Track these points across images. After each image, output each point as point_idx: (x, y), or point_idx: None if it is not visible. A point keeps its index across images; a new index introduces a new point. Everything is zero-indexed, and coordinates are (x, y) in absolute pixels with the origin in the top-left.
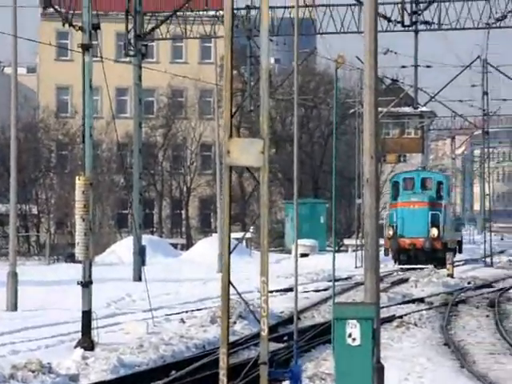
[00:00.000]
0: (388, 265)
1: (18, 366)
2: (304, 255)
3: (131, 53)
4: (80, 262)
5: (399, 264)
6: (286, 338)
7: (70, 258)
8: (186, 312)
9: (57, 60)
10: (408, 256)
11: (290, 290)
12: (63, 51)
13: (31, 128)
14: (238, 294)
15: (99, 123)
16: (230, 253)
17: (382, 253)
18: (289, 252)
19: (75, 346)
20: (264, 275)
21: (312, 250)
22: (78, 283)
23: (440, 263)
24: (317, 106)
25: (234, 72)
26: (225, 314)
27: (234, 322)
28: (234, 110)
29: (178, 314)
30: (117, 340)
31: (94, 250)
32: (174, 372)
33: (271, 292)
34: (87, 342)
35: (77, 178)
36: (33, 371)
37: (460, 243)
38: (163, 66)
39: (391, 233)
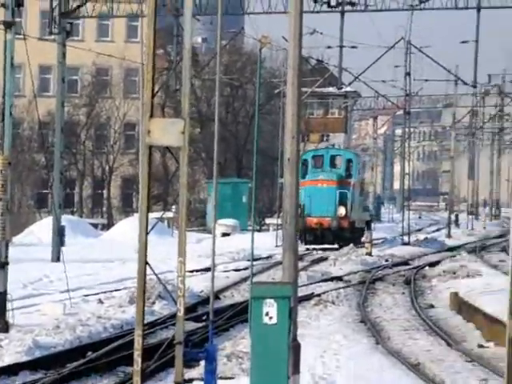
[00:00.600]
0: None
1: None
2: (225, 234)
3: (55, 31)
4: None
5: (305, 244)
6: (204, 318)
7: None
8: (105, 292)
9: None
10: (315, 236)
11: (209, 269)
12: None
13: None
14: (155, 274)
15: (21, 101)
16: (147, 232)
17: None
18: (210, 232)
19: None
20: (181, 255)
21: (233, 230)
22: None
23: (347, 243)
24: (242, 86)
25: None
26: (140, 296)
27: (153, 303)
28: (156, 90)
29: (97, 294)
30: (33, 321)
31: (12, 231)
32: (90, 353)
33: (191, 272)
34: (1, 324)
35: None
36: None
37: (369, 223)
38: (88, 45)
39: (298, 211)
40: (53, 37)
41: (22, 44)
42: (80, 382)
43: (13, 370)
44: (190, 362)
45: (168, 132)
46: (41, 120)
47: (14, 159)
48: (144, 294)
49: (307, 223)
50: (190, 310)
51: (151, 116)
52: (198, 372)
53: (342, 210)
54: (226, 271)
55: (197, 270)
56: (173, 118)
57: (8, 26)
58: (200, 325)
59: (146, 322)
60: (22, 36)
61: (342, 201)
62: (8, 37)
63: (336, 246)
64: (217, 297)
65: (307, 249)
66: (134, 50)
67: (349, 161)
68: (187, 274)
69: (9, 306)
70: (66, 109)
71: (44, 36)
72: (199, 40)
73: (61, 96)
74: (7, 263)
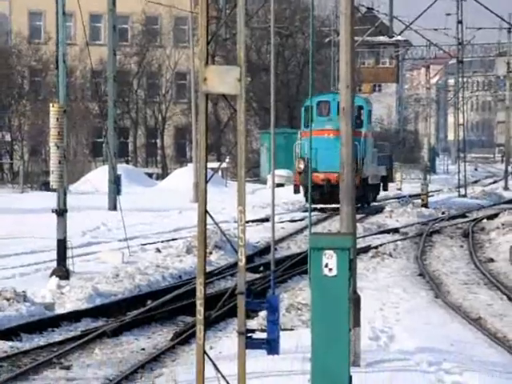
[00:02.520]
0: None
1: None
2: (280, 185)
3: None
4: (54, 190)
5: (312, 203)
6: (261, 269)
7: (45, 186)
8: (162, 242)
9: None
10: (322, 193)
11: (265, 220)
12: None
13: (3, 53)
14: (215, 223)
15: (73, 50)
16: (206, 182)
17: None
18: (264, 182)
19: (50, 275)
20: (241, 205)
21: (287, 180)
22: (53, 211)
23: (359, 202)
24: (292, 35)
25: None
26: (201, 244)
27: (210, 253)
28: (209, 38)
29: (154, 243)
30: (92, 269)
31: (69, 179)
32: (149, 301)
33: (247, 222)
34: (62, 271)
35: (51, 104)
36: (8, 299)
37: (385, 179)
38: None
39: (302, 166)
40: None
41: None
42: (141, 330)
43: (75, 316)
44: (251, 312)
45: (224, 80)
46: (93, 69)
47: (68, 108)
48: (205, 243)
49: (313, 179)
50: (247, 260)
51: (207, 63)
52: (258, 322)
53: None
54: (281, 222)
55: (252, 221)
56: (229, 66)
57: None
58: (257, 275)
59: None
60: None
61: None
62: None
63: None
64: (274, 247)
65: (315, 208)
66: None
67: (359, 108)
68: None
69: (69, 253)
70: (118, 58)
71: None
72: None
73: (112, 44)
74: (66, 210)
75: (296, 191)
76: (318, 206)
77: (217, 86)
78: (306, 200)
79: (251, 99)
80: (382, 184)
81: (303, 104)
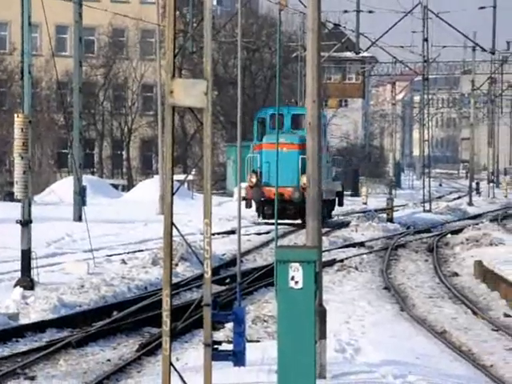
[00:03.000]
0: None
1: None
2: (246, 198)
3: None
4: (19, 200)
5: (264, 218)
6: (228, 281)
7: (9, 197)
8: (128, 253)
9: None
10: (273, 208)
11: (231, 232)
12: None
13: None
14: (181, 235)
15: (38, 61)
16: (172, 194)
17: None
18: (231, 195)
19: (14, 285)
20: (207, 217)
21: None
22: (17, 222)
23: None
24: (259, 49)
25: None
26: (167, 255)
27: (176, 264)
28: (176, 51)
29: (120, 254)
30: (57, 280)
31: (34, 189)
32: (115, 312)
33: (213, 234)
34: (27, 282)
35: (15, 115)
36: None
37: (341, 194)
38: (104, 5)
39: (254, 180)
40: None
41: (39, 2)
42: (106, 341)
43: (39, 326)
44: (217, 324)
45: (190, 93)
46: (59, 80)
47: (33, 118)
48: (171, 254)
49: (265, 194)
50: (213, 272)
51: (173, 76)
52: (224, 334)
53: (305, 179)
54: (247, 234)
55: (218, 233)
56: (195, 79)
57: None
58: (224, 287)
59: None
60: None
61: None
62: None
63: (299, 221)
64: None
65: (266, 223)
66: (149, 11)
67: None
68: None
69: (33, 263)
70: (84, 69)
71: None
72: (214, 2)
73: (78, 56)
74: (31, 221)
75: (247, 205)
76: (270, 221)
77: (183, 99)
78: (258, 215)
79: (218, 113)
80: (337, 199)
81: (256, 116)
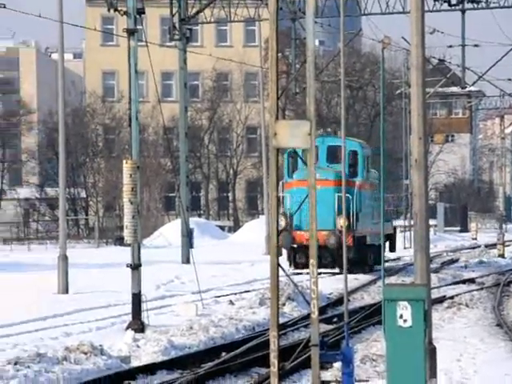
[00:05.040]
0: (438, 245)
1: (71, 348)
2: None
3: (176, 37)
4: (129, 244)
5: (296, 267)
6: (335, 320)
7: (119, 241)
8: (235, 294)
9: (103, 45)
10: (307, 256)
11: (338, 272)
12: (109, 36)
13: (78, 113)
14: (287, 275)
15: (145, 107)
16: (278, 234)
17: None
18: None
19: (126, 328)
20: (313, 258)
21: None
22: (127, 266)
23: (354, 265)
24: (362, 88)
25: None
26: (274, 297)
27: (283, 304)
28: (279, 93)
29: (227, 295)
30: (167, 322)
31: (142, 233)
32: (224, 353)
33: (319, 274)
34: (138, 324)
35: (124, 161)
36: (85, 353)
37: (392, 237)
38: (208, 50)
39: (283, 223)
40: (173, 43)
41: (145, 51)
42: (216, 382)
43: (150, 369)
44: (325, 364)
45: (294, 134)
46: (165, 125)
47: (141, 164)
48: (278, 296)
49: (297, 239)
50: (320, 311)
51: (277, 118)
52: (332, 374)
53: (342, 221)
54: (354, 273)
55: (325, 272)
56: (299, 120)
57: (131, 33)
58: (331, 327)
59: None
60: (144, 43)
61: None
62: (131, 44)
63: (337, 270)
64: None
65: (298, 273)
66: (252, 54)
67: (354, 153)
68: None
69: (144, 306)
70: (189, 113)
71: (165, 43)
72: (317, 43)
73: (184, 101)
74: (140, 265)
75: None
76: (303, 271)
77: (287, 141)
78: (290, 264)
79: None
80: (389, 243)
81: (286, 150)
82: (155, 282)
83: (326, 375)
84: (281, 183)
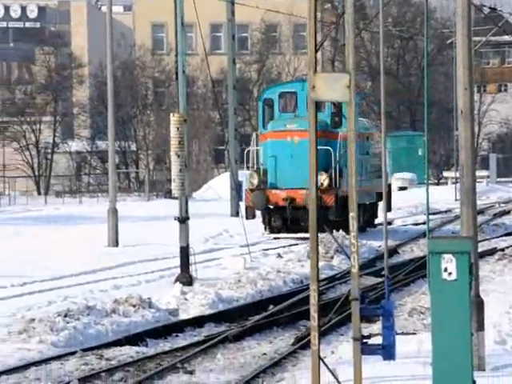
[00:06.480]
0: (490, 196)
1: (120, 301)
2: (402, 188)
3: None
4: (177, 198)
5: (271, 232)
6: (383, 273)
7: (169, 194)
8: (283, 247)
9: None
10: (283, 218)
11: (388, 223)
12: None
13: (128, 65)
14: (328, 231)
15: (194, 60)
16: (317, 189)
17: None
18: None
19: (174, 281)
20: (353, 211)
21: (410, 183)
22: (175, 219)
23: (335, 227)
24: (413, 37)
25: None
26: (314, 251)
27: (331, 257)
28: (319, 44)
29: (275, 249)
30: (215, 275)
31: (192, 186)
32: (271, 306)
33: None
34: (186, 278)
35: (171, 114)
36: (134, 305)
37: (388, 195)
38: (256, 1)
39: (255, 181)
40: None
41: (192, 3)
42: (262, 335)
43: (198, 321)
44: (367, 318)
45: (333, 87)
46: (213, 78)
47: (189, 117)
48: (317, 250)
49: (271, 199)
50: (368, 264)
51: (315, 71)
52: (378, 327)
53: (323, 179)
54: (404, 225)
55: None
56: (338, 73)
57: None
58: (379, 280)
59: (324, 276)
60: None
61: (325, 163)
62: None
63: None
64: (396, 251)
65: (275, 238)
66: (301, 5)
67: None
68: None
69: (192, 259)
70: (238, 66)
71: None
72: None
73: (232, 53)
74: (188, 218)
75: (249, 215)
76: (279, 235)
77: (326, 94)
78: (265, 227)
79: (372, 102)
80: (377, 203)
81: (261, 97)
82: (204, 235)
83: (373, 329)
84: (254, 135)
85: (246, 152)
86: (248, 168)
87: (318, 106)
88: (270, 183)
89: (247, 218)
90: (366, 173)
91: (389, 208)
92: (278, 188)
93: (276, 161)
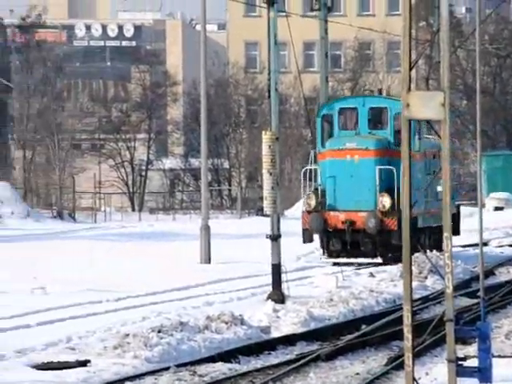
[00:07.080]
0: None
1: (212, 317)
2: (498, 208)
3: (316, 7)
4: (269, 215)
5: (329, 256)
6: (478, 294)
7: (261, 212)
8: (376, 266)
9: (245, 16)
10: (343, 242)
11: (484, 244)
12: (252, 7)
13: (221, 83)
14: (422, 250)
15: (287, 78)
16: (411, 207)
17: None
18: (482, 205)
19: (266, 299)
20: (447, 231)
21: (507, 204)
22: (267, 237)
23: (396, 255)
24: (510, 55)
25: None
26: (407, 271)
27: (425, 277)
28: (413, 62)
29: (368, 268)
30: (307, 293)
31: (284, 204)
32: (364, 326)
33: (464, 247)
34: (278, 295)
35: (263, 132)
36: (226, 322)
37: (455, 218)
38: (350, 19)
39: (313, 203)
40: (314, 13)
41: (285, 22)
42: (355, 355)
43: (290, 340)
44: (462, 339)
45: (427, 105)
46: (306, 96)
47: (282, 134)
48: (411, 269)
49: (330, 221)
50: (463, 285)
51: (409, 89)
52: (474, 349)
53: (385, 201)
54: (500, 246)
55: (469, 245)
56: (432, 91)
57: (270, 3)
58: (474, 301)
59: (418, 296)
60: (284, 14)
61: (387, 184)
62: (271, 14)
63: (379, 260)
64: (492, 273)
65: (334, 263)
66: (395, 23)
67: (399, 115)
68: (459, 249)
69: (284, 277)
70: (330, 84)
71: (306, 13)
72: (463, 10)
73: (324, 71)
74: (280, 236)
75: (307, 239)
76: (338, 260)
77: (420, 112)
78: (323, 252)
79: (467, 121)
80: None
81: (319, 113)
82: (296, 253)
83: (469, 350)
84: (312, 153)
85: (303, 171)
86: (305, 188)
87: (380, 121)
88: (328, 205)
89: (304, 242)
90: (433, 194)
91: (457, 231)
92: (337, 210)
93: (335, 181)
